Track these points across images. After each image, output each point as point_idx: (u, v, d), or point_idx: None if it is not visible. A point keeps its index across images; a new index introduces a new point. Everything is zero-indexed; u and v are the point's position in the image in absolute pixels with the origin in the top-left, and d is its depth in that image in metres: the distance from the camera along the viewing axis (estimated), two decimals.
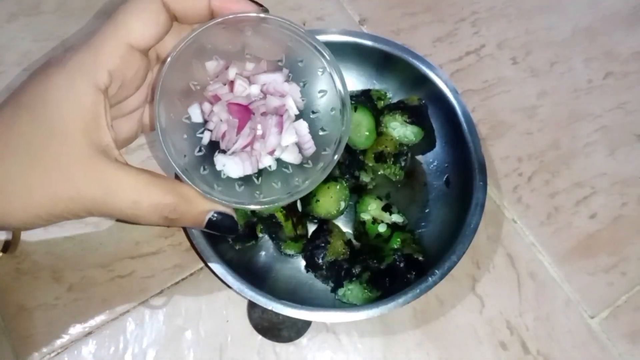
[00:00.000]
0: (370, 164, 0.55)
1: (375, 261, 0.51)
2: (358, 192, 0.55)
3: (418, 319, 0.52)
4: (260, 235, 0.53)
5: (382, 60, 0.55)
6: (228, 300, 0.51)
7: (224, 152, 0.40)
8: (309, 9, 0.66)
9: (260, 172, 0.41)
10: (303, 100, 0.42)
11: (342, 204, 0.53)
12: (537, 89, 0.64)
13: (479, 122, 0.61)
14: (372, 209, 0.53)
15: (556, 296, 0.54)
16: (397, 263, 0.50)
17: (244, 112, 0.41)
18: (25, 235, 0.52)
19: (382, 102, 0.57)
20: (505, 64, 0.65)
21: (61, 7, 0.63)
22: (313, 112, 0.42)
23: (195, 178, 0.38)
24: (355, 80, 0.58)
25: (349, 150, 0.55)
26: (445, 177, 0.55)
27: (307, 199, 0.52)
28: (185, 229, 0.52)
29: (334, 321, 0.50)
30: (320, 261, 0.51)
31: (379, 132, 0.55)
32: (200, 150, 0.41)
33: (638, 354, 0.52)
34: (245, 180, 0.41)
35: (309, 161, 0.42)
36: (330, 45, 0.54)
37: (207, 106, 0.40)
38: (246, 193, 0.40)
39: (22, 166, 0.35)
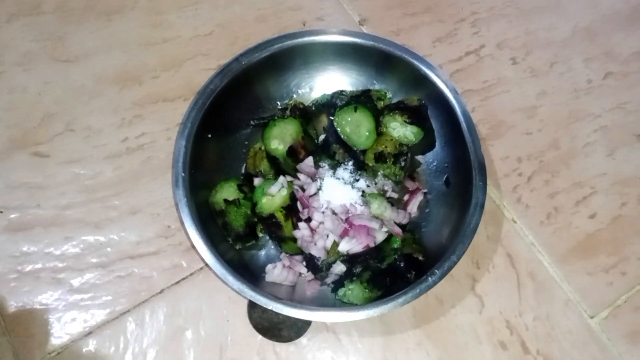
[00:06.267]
0: (370, 164, 0.55)
1: (375, 261, 0.51)
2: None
3: (418, 319, 0.52)
4: (260, 235, 0.53)
5: (382, 60, 0.55)
6: (228, 300, 0.51)
7: None
8: (309, 9, 0.66)
9: None
10: None
11: None
12: (537, 89, 0.64)
13: (479, 122, 0.61)
14: (373, 207, 0.53)
15: (556, 296, 0.54)
16: (398, 263, 0.50)
17: None
18: (26, 234, 0.52)
19: (382, 102, 0.57)
20: (505, 64, 0.65)
21: (61, 7, 0.63)
22: None
23: None
24: (355, 81, 0.58)
25: (349, 150, 0.55)
26: (445, 177, 0.55)
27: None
28: (185, 229, 0.52)
29: (334, 321, 0.50)
30: (319, 262, 0.51)
31: (379, 132, 0.55)
32: None
33: (638, 354, 0.52)
34: None
35: None
36: (330, 46, 0.55)
37: None
38: None
39: None
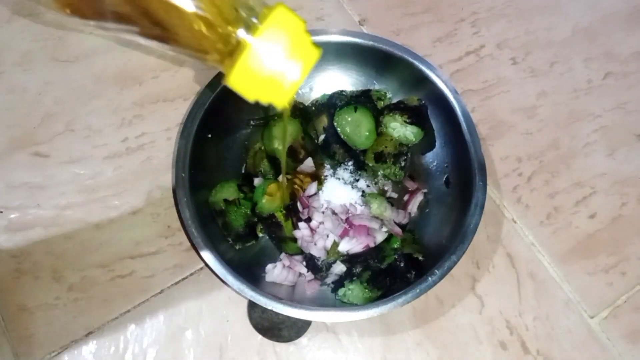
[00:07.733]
0: (370, 164, 0.55)
1: (375, 261, 0.51)
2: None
3: (418, 319, 0.52)
4: (260, 235, 0.53)
5: (382, 60, 0.55)
6: (228, 300, 0.51)
7: None
8: (309, 9, 0.66)
9: None
10: None
11: None
12: (537, 89, 0.64)
13: (478, 122, 0.61)
14: (373, 207, 0.53)
15: (556, 296, 0.54)
16: (398, 263, 0.50)
17: None
18: (26, 234, 0.52)
19: (382, 102, 0.57)
20: (505, 64, 0.65)
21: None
22: None
23: None
24: (355, 81, 0.58)
25: (349, 150, 0.55)
26: (445, 177, 0.55)
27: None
28: (185, 229, 0.52)
29: (334, 321, 0.50)
30: (319, 262, 0.51)
31: (379, 132, 0.56)
32: None
33: (638, 354, 0.52)
34: None
35: None
36: (330, 45, 0.55)
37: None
38: None
39: None
